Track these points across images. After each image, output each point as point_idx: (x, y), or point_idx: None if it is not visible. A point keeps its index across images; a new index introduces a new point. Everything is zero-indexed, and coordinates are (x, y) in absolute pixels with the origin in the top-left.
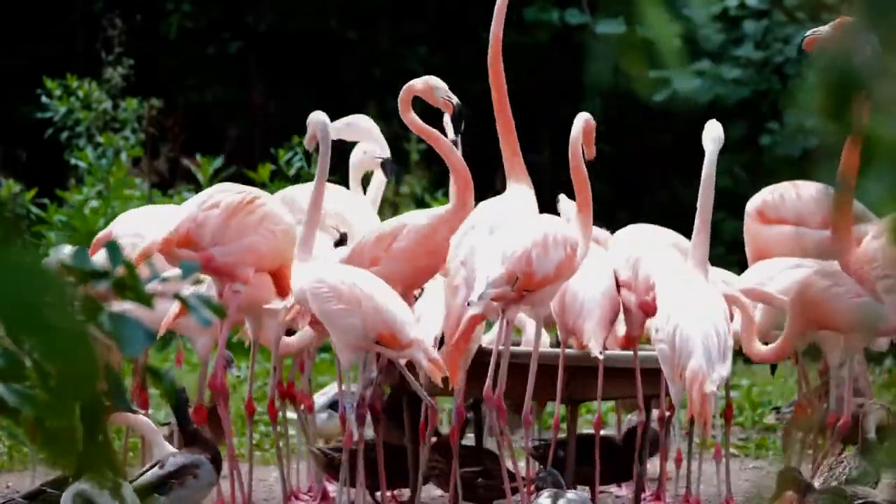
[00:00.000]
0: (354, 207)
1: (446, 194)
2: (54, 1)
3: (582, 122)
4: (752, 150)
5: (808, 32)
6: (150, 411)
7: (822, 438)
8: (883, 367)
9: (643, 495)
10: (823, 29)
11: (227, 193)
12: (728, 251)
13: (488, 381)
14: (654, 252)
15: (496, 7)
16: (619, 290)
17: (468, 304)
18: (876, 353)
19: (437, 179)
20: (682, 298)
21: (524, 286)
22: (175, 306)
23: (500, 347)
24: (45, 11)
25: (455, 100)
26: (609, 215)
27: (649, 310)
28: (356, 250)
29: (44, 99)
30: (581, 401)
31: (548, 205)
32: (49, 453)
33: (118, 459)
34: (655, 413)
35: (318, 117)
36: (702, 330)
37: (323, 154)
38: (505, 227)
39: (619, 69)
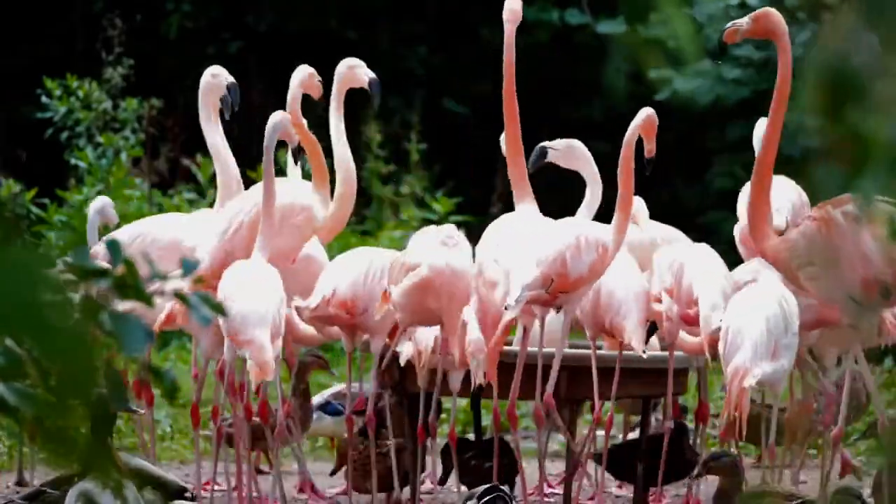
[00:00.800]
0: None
1: (447, 194)
2: (54, 1)
3: (644, 116)
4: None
5: (728, 24)
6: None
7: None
8: (883, 367)
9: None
10: (743, 21)
11: (243, 213)
12: (730, 250)
13: (548, 388)
14: (696, 258)
15: (505, 35)
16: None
17: (505, 308)
18: (876, 352)
19: (437, 179)
20: (739, 298)
21: (559, 288)
22: (169, 305)
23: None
24: (45, 11)
25: None
26: (609, 214)
27: (692, 322)
28: (390, 271)
29: (44, 99)
30: (582, 400)
31: (547, 205)
32: (49, 453)
33: (121, 459)
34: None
35: (276, 118)
36: (753, 326)
37: (267, 148)
38: (536, 232)
39: (619, 69)
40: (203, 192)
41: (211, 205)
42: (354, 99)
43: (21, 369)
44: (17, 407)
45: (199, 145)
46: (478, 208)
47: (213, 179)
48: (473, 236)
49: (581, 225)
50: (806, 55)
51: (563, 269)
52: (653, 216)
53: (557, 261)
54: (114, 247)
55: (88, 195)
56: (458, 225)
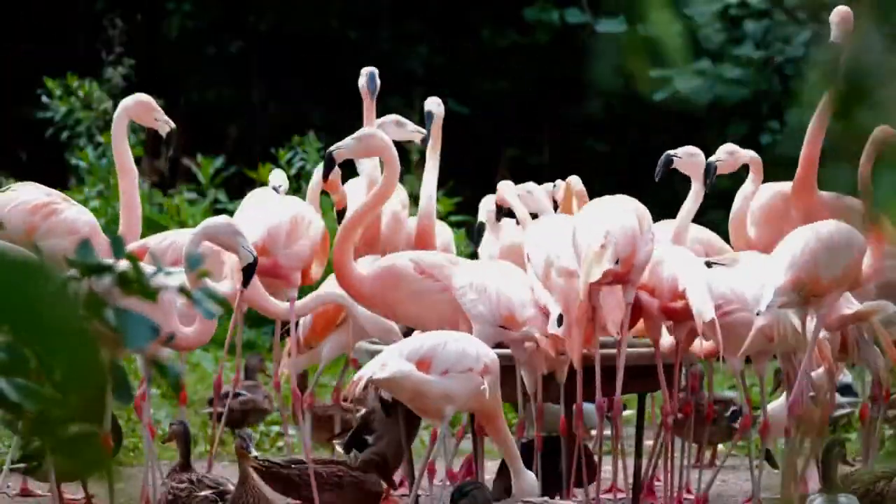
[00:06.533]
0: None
1: (447, 194)
2: (54, 1)
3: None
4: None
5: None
6: (150, 411)
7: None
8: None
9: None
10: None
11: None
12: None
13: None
14: (671, 252)
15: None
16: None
17: (757, 314)
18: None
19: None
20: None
21: (811, 292)
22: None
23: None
24: (45, 11)
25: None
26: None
27: (674, 315)
28: None
29: (44, 99)
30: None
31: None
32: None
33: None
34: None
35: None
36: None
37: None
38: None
39: (620, 68)
40: (203, 192)
41: (211, 204)
42: (354, 98)
43: (24, 365)
44: (19, 403)
45: (199, 145)
46: (478, 208)
47: (213, 179)
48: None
49: (828, 225)
50: (815, 56)
51: (814, 272)
52: (653, 216)
53: (809, 263)
54: (116, 242)
55: (89, 195)
56: (459, 225)
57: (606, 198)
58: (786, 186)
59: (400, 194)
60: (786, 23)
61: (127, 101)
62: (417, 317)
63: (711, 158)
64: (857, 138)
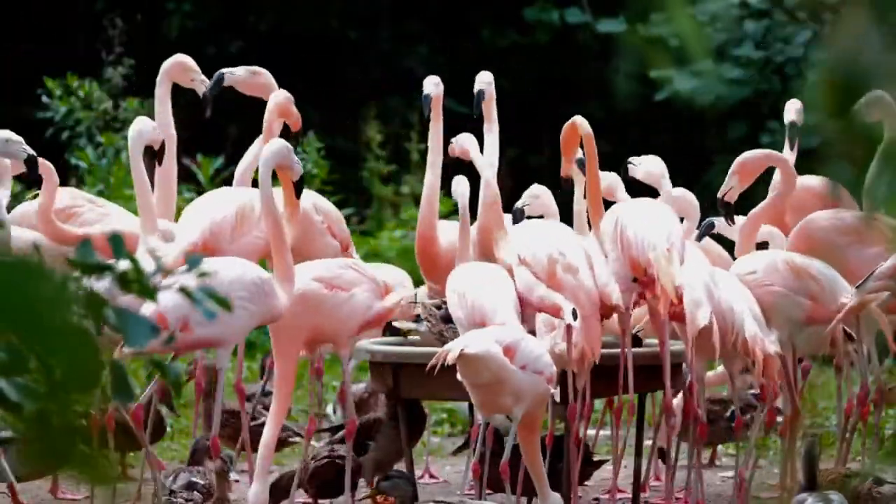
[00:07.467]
0: None
1: (448, 194)
2: (54, 1)
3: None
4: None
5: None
6: None
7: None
8: (883, 366)
9: (643, 496)
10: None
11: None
12: (729, 250)
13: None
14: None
15: None
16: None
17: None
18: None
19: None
20: (712, 278)
21: None
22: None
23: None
24: (45, 11)
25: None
26: None
27: (673, 317)
28: None
29: (44, 99)
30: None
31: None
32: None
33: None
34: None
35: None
36: (744, 301)
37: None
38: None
39: (619, 68)
40: (203, 192)
41: None
42: (354, 98)
43: (24, 364)
44: (19, 402)
45: (199, 145)
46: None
47: (213, 179)
48: None
49: None
50: (812, 55)
51: None
52: None
53: None
54: (116, 241)
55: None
56: None
57: (634, 201)
58: (809, 180)
59: (315, 199)
60: (786, 23)
61: (166, 64)
62: (334, 332)
63: (793, 118)
64: (852, 140)
